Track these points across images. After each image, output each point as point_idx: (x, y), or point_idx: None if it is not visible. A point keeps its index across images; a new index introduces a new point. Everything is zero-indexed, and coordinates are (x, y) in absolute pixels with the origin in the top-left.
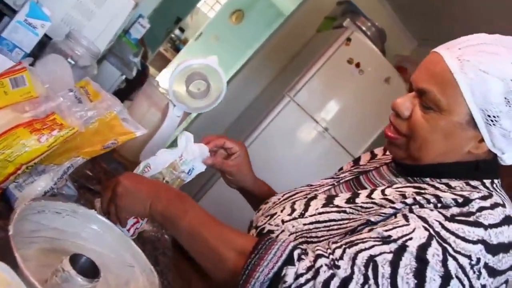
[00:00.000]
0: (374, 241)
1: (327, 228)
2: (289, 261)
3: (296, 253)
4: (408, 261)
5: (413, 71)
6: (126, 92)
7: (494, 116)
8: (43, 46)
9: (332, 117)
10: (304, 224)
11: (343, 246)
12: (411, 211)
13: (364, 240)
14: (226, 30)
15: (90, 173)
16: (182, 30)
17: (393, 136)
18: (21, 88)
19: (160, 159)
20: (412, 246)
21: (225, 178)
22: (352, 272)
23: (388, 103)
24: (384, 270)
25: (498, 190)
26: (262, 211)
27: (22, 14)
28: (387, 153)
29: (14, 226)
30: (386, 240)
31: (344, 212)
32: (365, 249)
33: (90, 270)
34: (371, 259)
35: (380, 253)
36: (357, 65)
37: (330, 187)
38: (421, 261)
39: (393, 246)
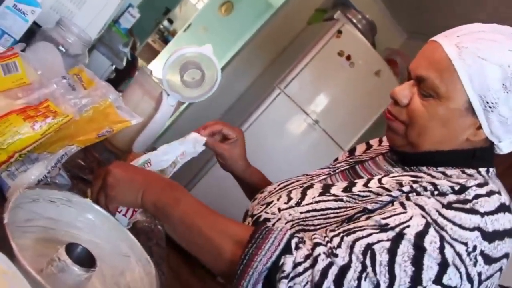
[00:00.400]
0: (372, 229)
1: (324, 216)
2: (287, 250)
3: (293, 241)
4: (405, 249)
5: (403, 64)
6: (115, 82)
7: (492, 103)
8: (32, 33)
9: (323, 109)
10: (301, 212)
11: (341, 234)
12: (408, 198)
13: (362, 228)
14: (215, 21)
15: (83, 163)
16: (170, 21)
17: (392, 118)
18: (13, 74)
19: (163, 157)
20: (410, 234)
21: (218, 160)
22: (350, 260)
23: (378, 96)
24: (382, 258)
25: (493, 179)
26: (257, 200)
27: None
28: (383, 143)
29: (9, 214)
30: (383, 228)
31: (341, 200)
32: (363, 237)
33: (86, 260)
34: (369, 247)
35: (378, 241)
36: (348, 57)
37: (326, 176)
38: (419, 248)
39: (390, 234)
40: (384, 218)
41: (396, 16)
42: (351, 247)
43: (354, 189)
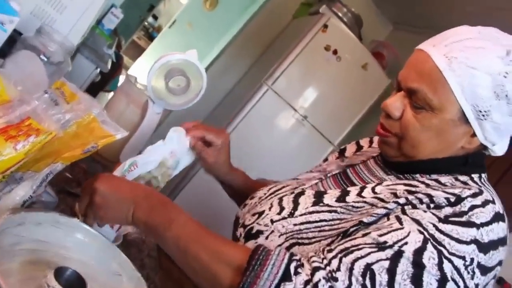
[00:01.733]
0: (370, 247)
1: (318, 229)
2: (286, 276)
3: (292, 266)
4: (404, 267)
5: (389, 56)
6: (100, 85)
7: (485, 111)
8: (13, 41)
9: (311, 104)
10: (295, 225)
11: (339, 255)
12: (404, 212)
13: (360, 247)
14: (200, 16)
15: (69, 175)
16: (155, 17)
17: (384, 134)
18: None
19: (149, 158)
20: (408, 251)
21: (201, 163)
22: (350, 283)
23: (365, 89)
24: (382, 278)
25: (486, 185)
26: (248, 207)
27: None
28: (373, 145)
29: None
30: (381, 246)
31: (335, 212)
32: (361, 257)
33: (76, 283)
34: (368, 268)
35: (377, 261)
36: (335, 52)
37: (317, 181)
38: (418, 266)
39: (389, 253)
40: (381, 235)
41: (381, 7)
42: (350, 269)
43: (348, 199)
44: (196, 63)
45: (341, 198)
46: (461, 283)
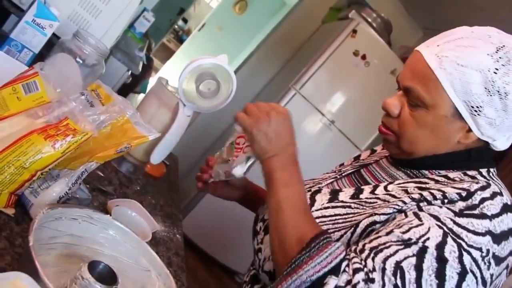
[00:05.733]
0: (396, 245)
1: (333, 222)
2: (335, 270)
3: (343, 264)
4: (429, 263)
5: None
6: (131, 86)
7: (477, 107)
8: (51, 44)
9: (338, 109)
10: None
11: (371, 255)
12: (420, 209)
13: (387, 245)
14: (229, 20)
15: (102, 174)
16: (185, 20)
17: (385, 131)
18: (33, 93)
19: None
20: (431, 247)
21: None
22: (384, 284)
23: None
24: (411, 275)
25: (494, 179)
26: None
27: (30, 15)
28: None
29: (33, 236)
30: (407, 243)
31: (349, 207)
32: (390, 255)
33: (108, 277)
34: (398, 266)
35: (405, 258)
36: (363, 57)
37: (332, 180)
38: (441, 260)
39: (414, 249)
40: (404, 232)
41: (412, 13)
42: (383, 269)
43: (362, 196)
44: (227, 67)
45: (355, 196)
46: (478, 274)
